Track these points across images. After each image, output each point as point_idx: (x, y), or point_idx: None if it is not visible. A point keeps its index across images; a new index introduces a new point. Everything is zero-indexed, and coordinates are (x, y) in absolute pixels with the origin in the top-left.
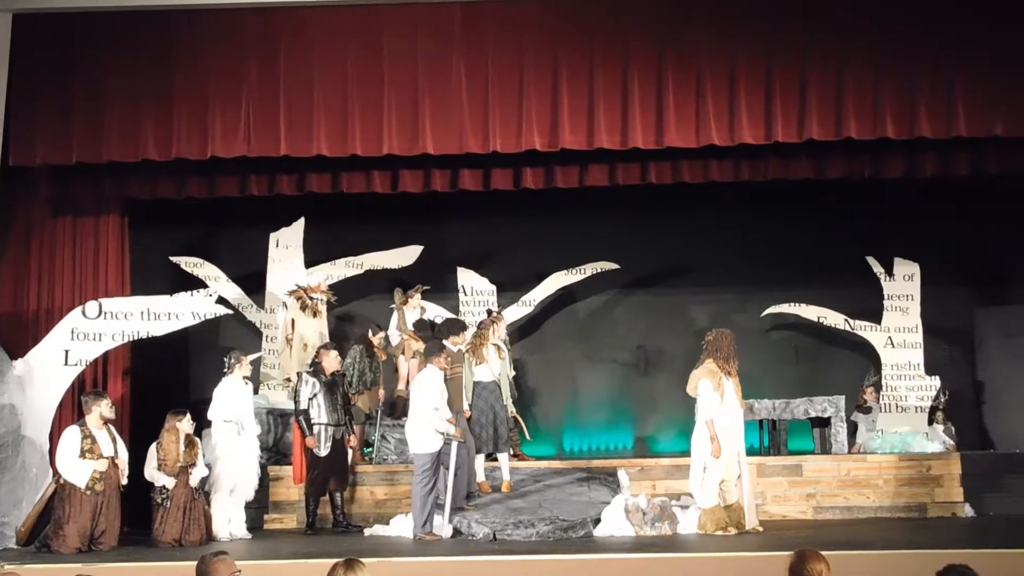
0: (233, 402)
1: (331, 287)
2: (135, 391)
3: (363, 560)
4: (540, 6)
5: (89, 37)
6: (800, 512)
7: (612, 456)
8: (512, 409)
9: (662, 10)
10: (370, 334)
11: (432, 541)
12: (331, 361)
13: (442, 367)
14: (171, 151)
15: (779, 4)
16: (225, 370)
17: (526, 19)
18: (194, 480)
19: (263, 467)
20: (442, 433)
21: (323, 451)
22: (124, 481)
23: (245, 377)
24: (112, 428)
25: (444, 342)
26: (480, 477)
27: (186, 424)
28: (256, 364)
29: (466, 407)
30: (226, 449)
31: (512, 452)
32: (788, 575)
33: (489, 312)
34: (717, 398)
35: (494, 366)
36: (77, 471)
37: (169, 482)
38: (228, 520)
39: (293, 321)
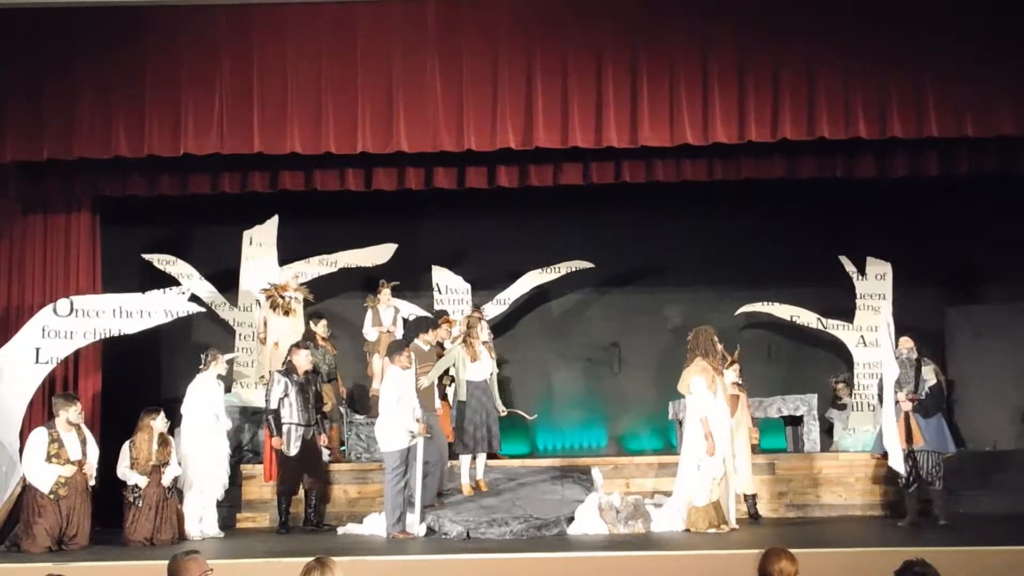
0: (206, 399)
1: (305, 285)
2: (106, 389)
3: (337, 559)
4: (514, 5)
5: (60, 33)
6: (772, 510)
7: (586, 454)
8: (502, 409)
9: (636, 10)
10: (311, 325)
11: (405, 539)
12: (302, 360)
13: (403, 366)
14: (143, 148)
15: (752, 5)
16: (201, 367)
17: (500, 18)
18: (167, 479)
19: (236, 466)
20: (410, 432)
21: (291, 451)
22: (92, 483)
23: (219, 376)
24: (84, 427)
25: (416, 340)
26: (465, 479)
27: (159, 423)
28: (230, 363)
29: (437, 406)
30: (196, 446)
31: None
32: (757, 573)
33: (478, 308)
34: (710, 396)
35: (486, 364)
36: (41, 475)
37: (141, 481)
38: (199, 519)
39: (265, 320)
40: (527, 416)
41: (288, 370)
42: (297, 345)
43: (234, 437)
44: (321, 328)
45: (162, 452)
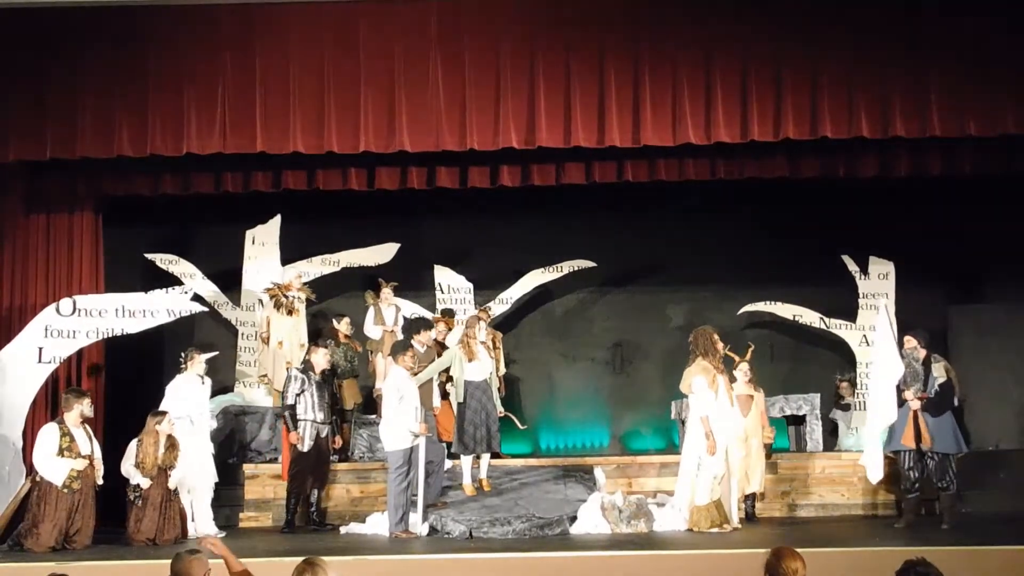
0: (184, 399)
1: (308, 284)
2: (109, 389)
3: (340, 558)
4: (517, 4)
5: (63, 32)
6: (775, 509)
7: (588, 454)
8: (500, 408)
9: (638, 9)
10: (335, 323)
11: (408, 539)
12: (320, 359)
13: (407, 367)
14: (146, 147)
15: (754, 4)
16: (182, 366)
17: (503, 17)
18: (172, 481)
19: (239, 465)
20: (412, 431)
21: (305, 446)
22: (100, 481)
23: (199, 375)
24: (88, 427)
25: (411, 341)
26: (467, 479)
27: (166, 426)
28: (212, 362)
29: (436, 405)
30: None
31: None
32: (764, 572)
33: (484, 308)
34: (711, 395)
35: (485, 364)
36: (54, 469)
37: (144, 482)
38: (192, 517)
39: (268, 319)
40: (519, 424)
41: (306, 368)
42: (316, 344)
43: (236, 437)
44: (344, 326)
45: (169, 455)
